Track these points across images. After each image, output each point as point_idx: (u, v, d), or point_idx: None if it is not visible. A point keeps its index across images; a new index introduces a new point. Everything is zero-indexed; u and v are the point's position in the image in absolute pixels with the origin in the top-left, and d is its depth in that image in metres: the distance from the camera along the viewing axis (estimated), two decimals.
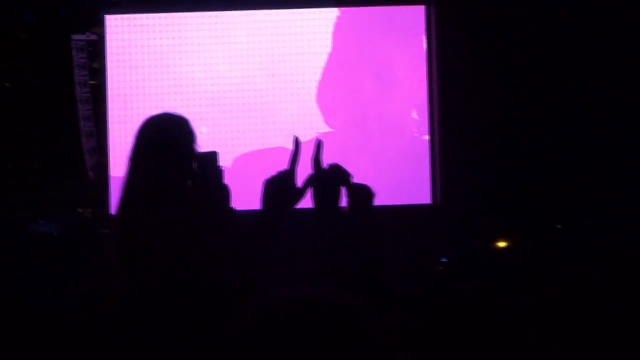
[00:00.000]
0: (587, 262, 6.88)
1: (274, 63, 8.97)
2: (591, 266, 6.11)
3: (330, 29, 9.01)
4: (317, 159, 2.81)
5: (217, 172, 3.05)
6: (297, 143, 2.86)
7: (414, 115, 8.97)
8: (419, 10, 9.02)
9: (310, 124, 8.83)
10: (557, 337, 3.69)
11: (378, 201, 2.82)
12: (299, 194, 2.82)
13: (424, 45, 8.98)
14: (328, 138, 8.84)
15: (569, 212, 8.73)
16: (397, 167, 8.91)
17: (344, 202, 2.79)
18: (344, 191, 2.79)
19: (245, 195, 3.47)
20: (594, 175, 8.75)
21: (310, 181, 2.82)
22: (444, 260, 8.25)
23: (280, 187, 2.80)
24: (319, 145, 2.84)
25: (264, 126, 8.90)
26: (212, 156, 3.08)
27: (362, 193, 2.70)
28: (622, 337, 3.50)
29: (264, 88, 8.94)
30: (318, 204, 2.76)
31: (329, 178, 2.77)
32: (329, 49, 8.99)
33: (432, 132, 8.94)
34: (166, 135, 3.10)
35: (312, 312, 1.58)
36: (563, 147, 8.83)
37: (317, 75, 8.99)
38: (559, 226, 8.76)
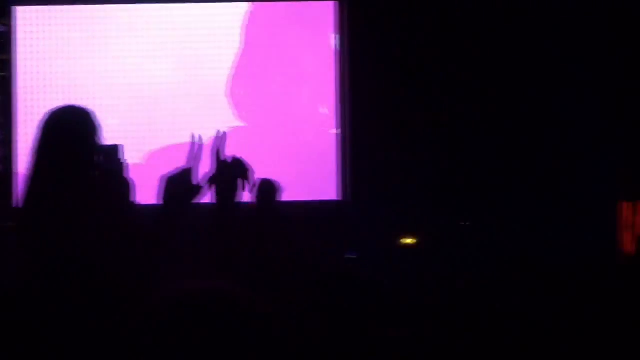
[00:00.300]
0: (492, 259, 7.01)
1: (185, 57, 8.94)
2: (497, 263, 6.24)
3: (241, 23, 9.02)
4: (217, 152, 2.83)
5: (119, 166, 3.05)
6: (197, 140, 2.88)
7: (324, 110, 9.03)
8: (330, 6, 9.08)
9: (222, 118, 8.82)
10: (458, 333, 3.76)
11: (286, 196, 2.85)
12: (197, 189, 2.84)
13: (335, 41, 9.05)
14: (239, 133, 8.85)
15: (476, 209, 8.87)
16: (307, 162, 8.96)
17: (247, 196, 2.82)
18: (246, 185, 2.82)
19: (155, 190, 3.47)
20: (501, 173, 8.91)
21: (212, 177, 2.84)
22: (352, 255, 8.32)
23: (179, 183, 2.81)
24: (219, 139, 2.86)
25: (175, 119, 8.87)
26: (114, 149, 3.08)
27: (265, 188, 2.73)
28: (524, 332, 3.58)
29: (175, 82, 8.91)
30: (218, 197, 2.78)
31: (229, 172, 2.79)
32: (240, 44, 9.00)
33: (342, 128, 9.00)
34: (69, 128, 3.09)
35: (207, 305, 1.60)
36: (471, 144, 8.96)
37: (228, 70, 8.99)
38: (467, 223, 8.90)
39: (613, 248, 7.75)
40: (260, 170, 3.32)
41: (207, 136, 2.97)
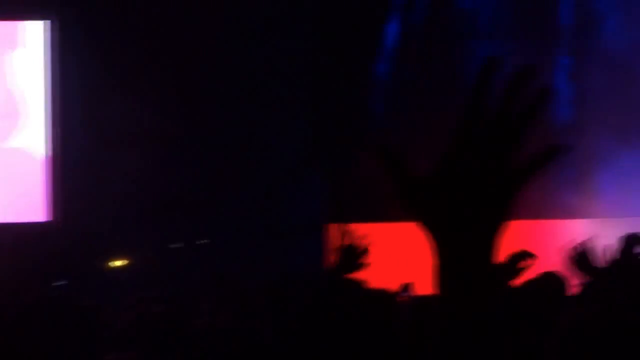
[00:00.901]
0: (203, 279, 7.03)
1: None
2: (205, 283, 6.26)
3: None
4: None
5: None
6: None
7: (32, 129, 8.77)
8: (40, 25, 8.83)
9: None
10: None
11: None
12: None
13: (46, 59, 8.81)
14: None
15: (189, 230, 8.89)
16: (13, 183, 8.66)
17: None
18: None
19: None
20: (213, 196, 8.98)
21: None
22: (60, 282, 8.08)
23: None
24: None
25: None
26: None
27: None
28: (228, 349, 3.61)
29: None
30: None
31: None
32: None
33: (54, 148, 8.77)
34: None
35: None
36: (183, 165, 8.98)
37: None
38: (179, 244, 8.90)
39: (320, 269, 8.00)
40: None
41: None
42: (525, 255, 3.75)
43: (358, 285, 4.45)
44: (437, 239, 1.23)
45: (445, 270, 1.22)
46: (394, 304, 3.90)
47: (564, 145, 1.19)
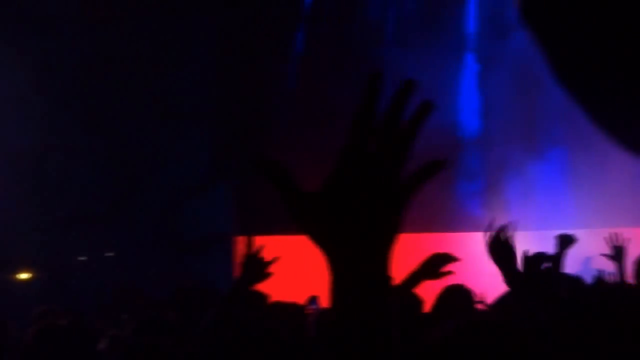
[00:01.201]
0: (109, 292, 6.95)
1: None
2: (112, 296, 6.21)
3: None
4: None
5: None
6: None
7: None
8: None
9: None
10: None
11: None
12: None
13: None
14: None
15: (94, 243, 8.79)
16: None
17: None
18: None
19: None
20: (117, 209, 8.89)
21: None
22: None
23: None
24: None
25: None
26: None
27: None
28: None
29: None
30: None
31: None
32: None
33: None
34: None
35: None
36: (82, 179, 8.88)
37: None
38: (84, 258, 8.79)
39: (229, 281, 7.98)
40: None
41: None
42: (447, 258, 3.77)
43: (264, 297, 4.46)
44: (326, 253, 1.24)
45: (336, 283, 1.23)
46: (302, 316, 3.92)
47: (445, 160, 1.21)
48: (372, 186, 1.22)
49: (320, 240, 1.24)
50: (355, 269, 1.23)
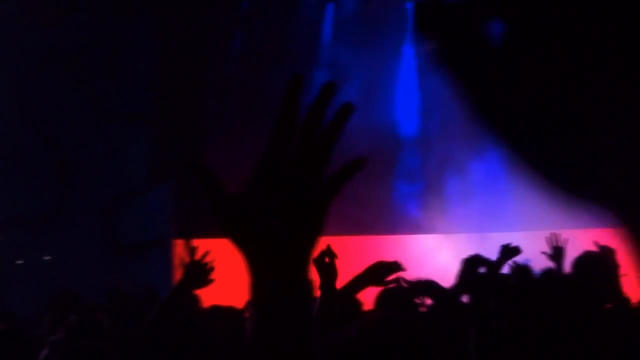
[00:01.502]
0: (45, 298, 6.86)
1: None
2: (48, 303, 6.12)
3: None
4: None
5: None
6: None
7: None
8: None
9: None
10: None
11: None
12: None
13: None
14: None
15: (39, 245, 8.69)
16: None
17: None
18: None
19: None
20: (68, 211, 8.79)
21: None
22: None
23: None
24: None
25: None
26: None
27: None
28: None
29: None
30: None
31: None
32: None
33: None
34: None
35: None
36: (36, 180, 8.77)
37: None
38: (20, 261, 8.68)
39: (168, 284, 7.91)
40: None
41: None
42: (393, 267, 3.75)
43: (201, 301, 4.42)
44: (246, 255, 1.23)
45: (256, 285, 1.22)
46: (240, 320, 3.88)
47: (364, 159, 1.20)
48: (293, 188, 1.20)
49: (240, 241, 1.22)
50: (274, 270, 1.22)
